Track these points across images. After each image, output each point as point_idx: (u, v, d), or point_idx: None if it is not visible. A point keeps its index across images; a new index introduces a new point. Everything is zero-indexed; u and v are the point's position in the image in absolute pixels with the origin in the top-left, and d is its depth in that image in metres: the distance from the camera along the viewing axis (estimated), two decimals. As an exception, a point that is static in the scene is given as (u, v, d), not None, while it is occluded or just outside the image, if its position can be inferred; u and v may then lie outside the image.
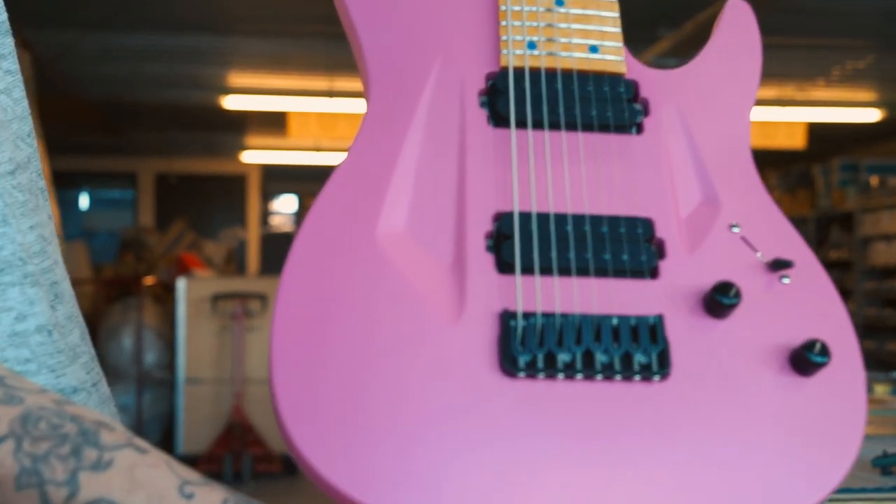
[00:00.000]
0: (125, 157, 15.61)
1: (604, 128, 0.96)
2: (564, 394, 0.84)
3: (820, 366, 0.85)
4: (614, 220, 0.92)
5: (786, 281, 0.92)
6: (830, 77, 8.61)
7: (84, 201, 16.82)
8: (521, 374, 0.83)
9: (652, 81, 1.01)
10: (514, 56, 0.98)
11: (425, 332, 0.85)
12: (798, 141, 10.29)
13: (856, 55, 7.99)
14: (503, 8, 1.05)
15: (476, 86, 0.97)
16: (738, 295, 0.88)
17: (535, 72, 0.97)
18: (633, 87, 0.99)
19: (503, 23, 1.05)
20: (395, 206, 0.91)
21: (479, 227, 0.91)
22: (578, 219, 0.92)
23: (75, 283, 1.32)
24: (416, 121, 0.94)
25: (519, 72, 0.97)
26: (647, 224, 0.92)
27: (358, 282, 0.87)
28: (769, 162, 12.86)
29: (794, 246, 0.95)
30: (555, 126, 0.95)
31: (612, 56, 1.00)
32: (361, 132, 0.98)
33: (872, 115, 10.90)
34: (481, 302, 0.87)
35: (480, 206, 0.92)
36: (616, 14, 1.07)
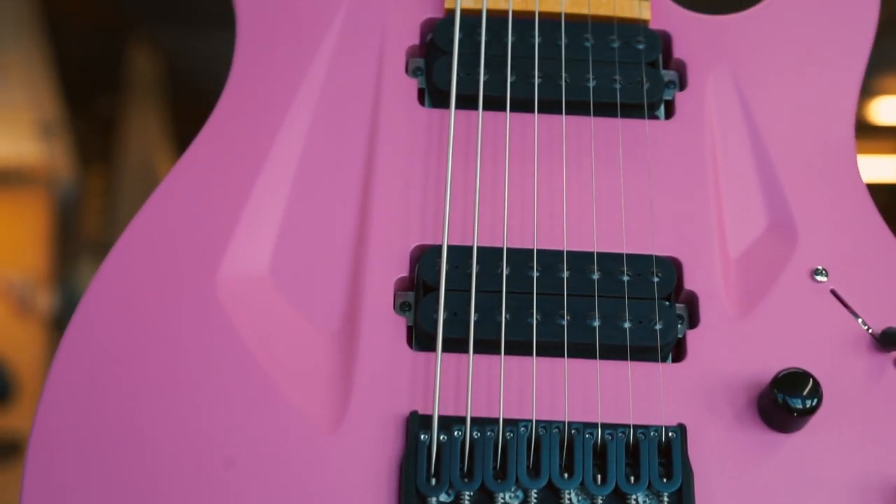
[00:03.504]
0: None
1: (606, 108, 0.66)
2: None
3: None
4: (612, 261, 0.62)
5: (906, 368, 0.61)
6: None
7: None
8: (433, 528, 0.55)
9: (694, 34, 0.69)
10: (468, -7, 0.69)
11: (279, 447, 0.57)
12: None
13: None
14: (455, -83, 0.68)
15: (404, 41, 0.68)
16: (817, 394, 0.57)
17: (497, 17, 0.67)
18: (659, 43, 0.68)
19: (453, -60, 0.68)
20: (252, 235, 0.62)
21: (387, 271, 0.61)
22: (551, 258, 0.62)
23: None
24: (303, 95, 0.66)
25: (472, 17, 0.67)
26: (670, 267, 0.62)
27: (174, 359, 0.58)
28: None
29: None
30: (523, 105, 0.66)
31: (629, -8, 0.70)
32: (216, 112, 0.64)
33: None
34: (377, 398, 0.58)
35: (392, 236, 0.62)
36: (639, -76, 0.69)
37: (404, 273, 0.61)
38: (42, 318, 3.08)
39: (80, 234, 3.55)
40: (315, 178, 0.63)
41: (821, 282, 0.62)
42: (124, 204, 3.44)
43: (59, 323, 3.18)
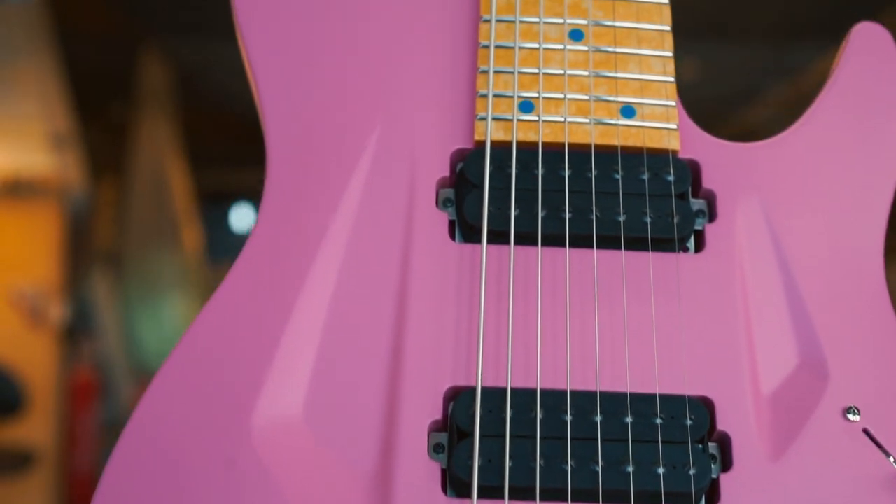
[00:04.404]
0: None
1: (636, 242, 0.65)
2: None
3: None
4: (645, 403, 0.61)
5: (940, 513, 0.59)
6: None
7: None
8: None
9: (723, 163, 0.68)
10: (498, 124, 0.66)
11: None
12: None
13: None
14: (484, 44, 0.67)
15: (434, 173, 0.66)
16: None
17: (528, 149, 0.66)
18: (689, 174, 0.67)
19: (482, 69, 0.67)
20: (286, 377, 0.61)
21: (421, 414, 0.61)
22: (584, 400, 0.61)
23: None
24: (333, 230, 0.65)
25: (503, 149, 0.66)
26: (703, 410, 0.62)
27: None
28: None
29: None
30: (555, 240, 0.65)
31: (658, 122, 0.67)
32: (246, 248, 0.63)
33: None
34: None
35: (425, 377, 0.61)
36: (668, 53, 0.68)
37: (438, 416, 0.60)
38: (54, 329, 3.08)
39: (92, 245, 3.55)
40: (347, 317, 0.62)
41: (853, 421, 0.61)
42: (136, 213, 3.44)
43: (70, 334, 3.18)
